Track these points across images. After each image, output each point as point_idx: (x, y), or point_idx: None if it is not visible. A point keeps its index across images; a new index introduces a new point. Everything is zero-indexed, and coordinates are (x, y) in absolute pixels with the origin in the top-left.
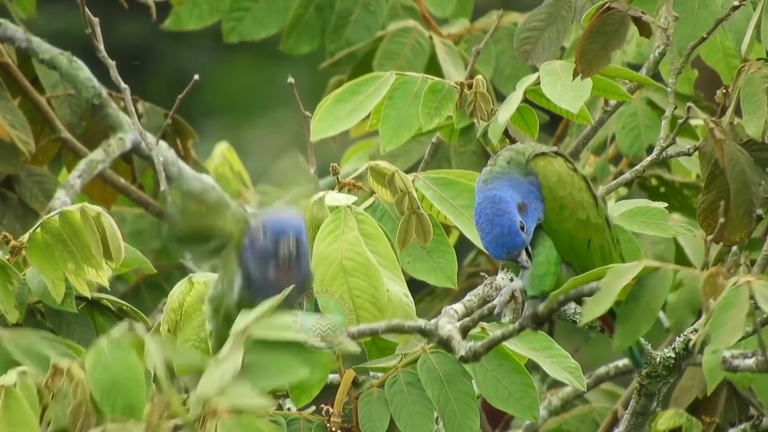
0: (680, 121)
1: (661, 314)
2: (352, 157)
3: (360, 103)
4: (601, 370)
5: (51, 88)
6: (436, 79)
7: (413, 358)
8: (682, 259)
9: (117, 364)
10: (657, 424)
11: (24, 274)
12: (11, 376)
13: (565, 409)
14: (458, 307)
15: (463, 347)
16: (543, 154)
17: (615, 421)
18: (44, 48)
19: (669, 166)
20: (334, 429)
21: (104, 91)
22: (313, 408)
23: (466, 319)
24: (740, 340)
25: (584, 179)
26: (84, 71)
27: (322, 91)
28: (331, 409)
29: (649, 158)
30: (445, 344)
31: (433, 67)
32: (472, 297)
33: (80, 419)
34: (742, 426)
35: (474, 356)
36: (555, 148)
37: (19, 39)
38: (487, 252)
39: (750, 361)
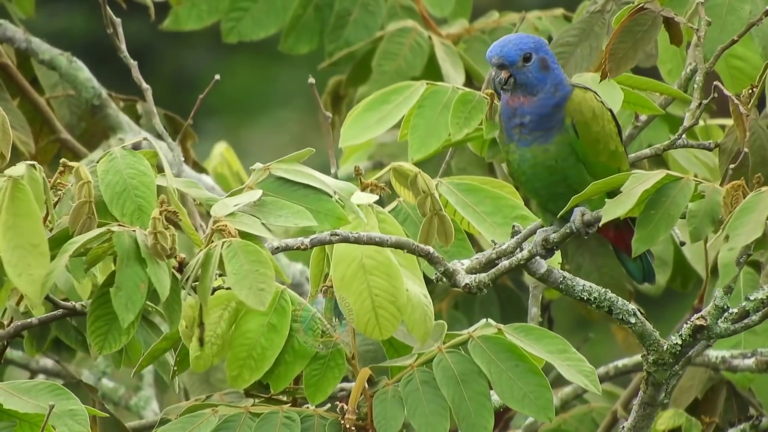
0: (704, 101)
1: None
2: (352, 156)
3: (389, 112)
4: (601, 370)
5: (50, 88)
6: (467, 89)
7: (429, 358)
8: (681, 259)
9: (129, 170)
10: (657, 424)
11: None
12: (21, 168)
13: (565, 409)
14: (465, 261)
15: (467, 277)
16: (576, 85)
17: (614, 421)
18: (44, 48)
19: (668, 167)
20: (348, 426)
21: (104, 92)
22: (328, 405)
23: (473, 259)
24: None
25: (610, 110)
26: (84, 72)
27: (321, 92)
28: (345, 407)
29: (671, 140)
30: (450, 276)
31: (432, 67)
32: (479, 256)
33: (82, 220)
34: (742, 426)
35: (479, 286)
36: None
37: (18, 39)
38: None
39: (749, 361)
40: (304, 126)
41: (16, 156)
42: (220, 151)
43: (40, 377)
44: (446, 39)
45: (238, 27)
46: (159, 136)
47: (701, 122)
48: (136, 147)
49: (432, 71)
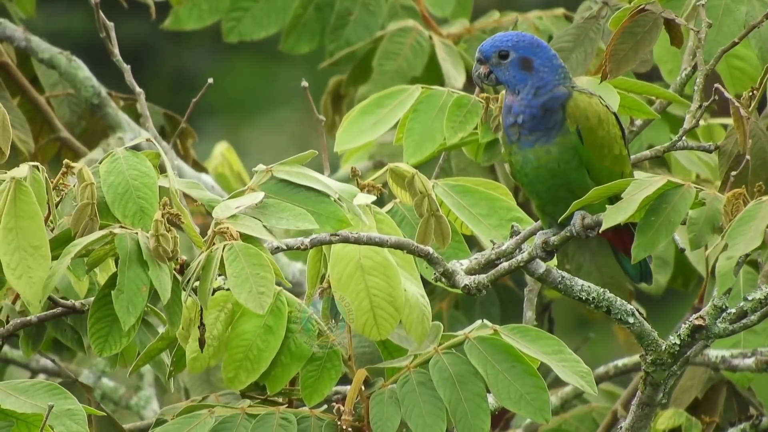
0: (705, 104)
1: (677, 237)
2: (352, 157)
3: (384, 116)
4: (601, 370)
5: (50, 87)
6: (462, 93)
7: (425, 359)
8: (683, 259)
9: (132, 171)
10: (656, 423)
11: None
12: (23, 169)
13: (565, 408)
14: (464, 261)
15: (466, 278)
16: (581, 90)
17: (614, 420)
18: (43, 47)
19: (669, 167)
20: (344, 427)
21: (103, 91)
22: (324, 407)
23: (473, 259)
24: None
25: (614, 114)
26: (83, 70)
27: (321, 91)
28: (342, 408)
29: (671, 141)
30: (449, 277)
31: (432, 66)
32: (478, 256)
33: (84, 222)
34: (742, 426)
35: (478, 288)
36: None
37: (18, 38)
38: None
39: (749, 361)
40: (304, 126)
41: (16, 155)
42: (221, 150)
43: (41, 377)
44: (447, 39)
45: (239, 26)
46: (163, 136)
47: (702, 122)
48: (137, 147)
49: (433, 71)
